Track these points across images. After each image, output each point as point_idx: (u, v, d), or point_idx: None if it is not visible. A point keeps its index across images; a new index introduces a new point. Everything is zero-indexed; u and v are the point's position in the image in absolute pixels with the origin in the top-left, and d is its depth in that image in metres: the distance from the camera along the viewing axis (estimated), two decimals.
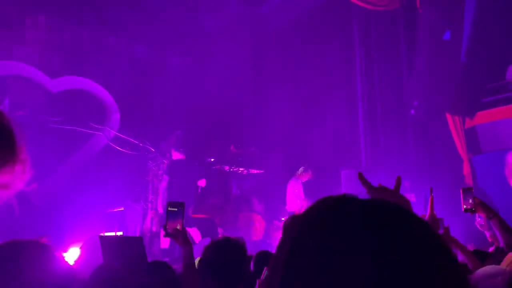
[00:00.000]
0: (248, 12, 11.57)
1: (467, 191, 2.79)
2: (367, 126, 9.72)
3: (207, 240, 6.06)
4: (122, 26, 9.80)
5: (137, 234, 8.24)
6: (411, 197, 8.92)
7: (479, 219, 4.37)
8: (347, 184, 9.40)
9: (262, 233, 9.08)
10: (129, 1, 9.66)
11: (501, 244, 2.55)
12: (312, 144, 9.68)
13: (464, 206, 2.73)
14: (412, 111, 9.04)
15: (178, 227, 2.40)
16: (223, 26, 11.17)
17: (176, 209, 2.45)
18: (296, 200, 8.11)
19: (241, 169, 9.82)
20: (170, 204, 2.47)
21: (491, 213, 2.58)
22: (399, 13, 9.51)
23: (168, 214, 2.42)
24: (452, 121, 9.50)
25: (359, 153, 9.64)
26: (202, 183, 7.79)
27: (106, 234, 7.40)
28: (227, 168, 9.65)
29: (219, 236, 7.86)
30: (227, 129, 10.04)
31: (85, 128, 8.55)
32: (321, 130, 9.65)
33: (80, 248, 6.01)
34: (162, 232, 7.63)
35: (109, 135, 9.11)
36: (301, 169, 8.61)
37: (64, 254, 6.09)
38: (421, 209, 8.13)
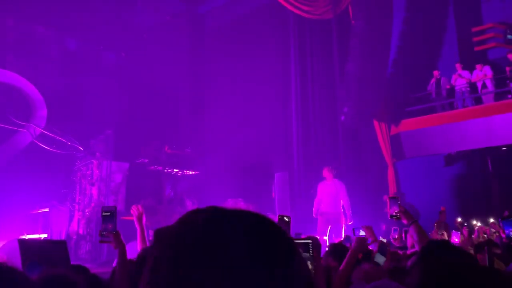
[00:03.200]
0: (187, 10, 11.47)
1: (393, 199, 3.06)
2: (300, 130, 10.01)
3: (135, 244, 5.95)
4: (52, 16, 9.31)
5: (63, 237, 7.87)
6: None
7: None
8: (280, 186, 9.63)
9: None
10: None
11: (417, 248, 2.81)
12: (247, 146, 9.80)
13: (390, 213, 2.99)
14: (343, 117, 9.43)
15: (112, 230, 2.53)
16: (160, 23, 10.99)
17: (109, 213, 2.57)
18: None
19: (175, 170, 9.70)
20: (104, 208, 2.56)
21: (411, 219, 2.87)
22: (333, 22, 9.89)
23: (103, 218, 2.50)
24: (379, 128, 10.05)
25: (292, 157, 9.90)
26: None
27: (29, 236, 7.02)
28: (160, 169, 9.49)
29: (150, 238, 7.72)
30: (162, 129, 9.88)
31: (8, 125, 8.03)
32: (256, 132, 9.80)
33: None
34: (90, 236, 7.33)
35: (34, 132, 8.62)
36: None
37: None
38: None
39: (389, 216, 3.03)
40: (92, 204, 7.86)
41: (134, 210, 3.17)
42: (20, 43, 9.29)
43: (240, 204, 8.80)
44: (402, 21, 10.92)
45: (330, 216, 7.91)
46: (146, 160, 9.38)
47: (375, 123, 10.03)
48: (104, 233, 2.53)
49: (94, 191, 8.00)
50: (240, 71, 10.64)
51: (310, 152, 9.88)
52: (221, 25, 11.60)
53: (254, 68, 10.41)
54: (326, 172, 8.23)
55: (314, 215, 8.09)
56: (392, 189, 10.13)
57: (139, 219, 3.14)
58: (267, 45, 10.50)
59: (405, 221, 2.94)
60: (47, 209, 7.88)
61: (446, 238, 6.07)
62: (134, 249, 5.68)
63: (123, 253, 2.56)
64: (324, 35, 10.16)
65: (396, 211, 2.96)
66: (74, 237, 7.75)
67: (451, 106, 9.99)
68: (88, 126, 8.72)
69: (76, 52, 10.25)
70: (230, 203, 8.95)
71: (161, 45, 10.61)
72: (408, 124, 10.10)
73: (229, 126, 10.39)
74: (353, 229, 4.31)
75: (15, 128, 8.34)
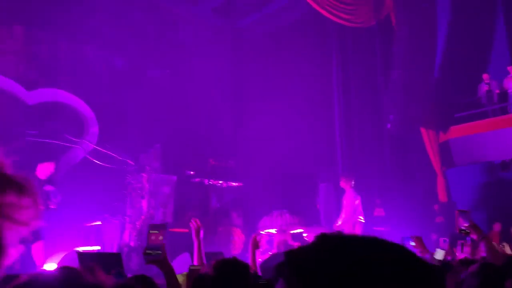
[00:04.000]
0: (227, 25, 11.69)
1: (463, 213, 2.94)
2: (344, 139, 9.90)
3: (186, 256, 6.03)
4: (101, 38, 9.75)
5: (115, 249, 8.13)
6: (380, 211, 9.09)
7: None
8: (325, 197, 9.53)
9: (241, 247, 9.09)
10: (107, 13, 9.63)
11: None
12: (290, 156, 9.79)
13: (459, 227, 2.88)
14: (388, 125, 9.25)
15: (160, 250, 2.41)
16: (202, 39, 11.25)
17: (157, 231, 2.46)
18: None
19: (220, 182, 9.83)
20: (151, 226, 2.47)
21: (481, 235, 2.76)
22: (375, 29, 9.77)
23: (149, 237, 2.41)
24: (426, 135, 9.77)
25: (336, 167, 9.79)
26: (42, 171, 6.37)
27: (83, 248, 7.29)
28: (206, 181, 9.64)
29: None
30: (206, 142, 10.06)
31: (62, 141, 8.43)
32: (299, 143, 9.77)
33: (58, 263, 5.91)
34: (141, 248, 7.51)
35: (87, 148, 8.99)
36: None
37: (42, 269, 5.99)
38: (391, 224, 8.30)
39: (457, 230, 2.92)
40: (143, 217, 8.08)
41: (193, 224, 3.21)
42: (72, 63, 9.78)
43: (285, 216, 8.78)
44: (447, 25, 10.62)
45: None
46: (192, 173, 9.57)
47: (423, 130, 9.76)
48: (149, 252, 2.40)
49: (144, 204, 8.23)
50: (280, 82, 10.69)
51: (355, 161, 9.73)
52: (260, 38, 11.72)
53: (295, 78, 10.43)
54: (342, 183, 8.01)
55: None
56: (442, 198, 9.80)
57: (197, 233, 3.18)
58: (307, 55, 10.51)
59: (474, 236, 2.83)
60: (99, 222, 8.16)
61: (510, 251, 5.79)
62: (184, 262, 5.76)
63: (172, 274, 2.46)
64: (366, 42, 10.05)
65: (466, 225, 2.85)
66: (126, 249, 7.97)
67: (503, 111, 9.57)
68: (137, 141, 9.02)
69: (123, 70, 10.65)
70: (275, 215, 8.95)
71: (202, 60, 10.85)
72: (457, 131, 9.76)
73: (272, 137, 10.42)
74: (402, 239, 4.18)
75: (69, 145, 8.75)
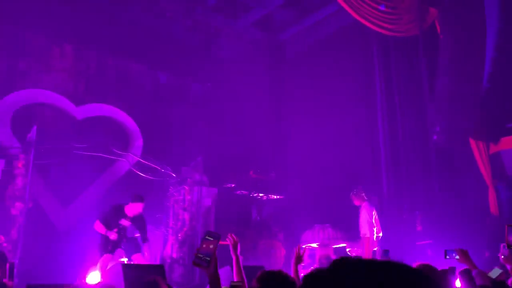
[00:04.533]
0: (267, 39, 11.76)
1: None
2: (388, 151, 9.63)
3: (227, 269, 6.01)
4: (145, 54, 10.08)
5: (158, 260, 8.25)
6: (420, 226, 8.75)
7: (503, 250, 4.28)
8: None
9: (282, 261, 8.98)
10: (150, 30, 9.95)
11: None
12: (332, 169, 9.62)
13: (509, 242, 2.76)
14: (435, 137, 8.92)
15: (211, 256, 2.45)
16: (242, 53, 11.38)
17: (212, 239, 2.49)
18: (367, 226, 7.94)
19: (260, 194, 9.80)
20: (208, 233, 2.49)
21: None
22: (419, 38, 9.52)
23: (203, 242, 2.44)
24: (476, 147, 9.34)
25: (381, 180, 9.52)
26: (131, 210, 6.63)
27: (126, 259, 7.42)
28: (246, 193, 9.65)
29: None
30: (248, 154, 10.09)
31: (109, 154, 8.71)
32: (341, 157, 9.59)
33: (103, 273, 6.05)
34: (183, 259, 7.57)
35: (131, 160, 9.24)
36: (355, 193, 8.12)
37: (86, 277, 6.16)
38: (436, 237, 7.93)
39: (506, 246, 2.76)
40: (185, 229, 8.16)
41: (230, 239, 3.24)
42: (118, 79, 10.16)
43: (328, 230, 8.60)
44: (496, 33, 10.19)
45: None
46: (233, 185, 9.60)
47: (472, 141, 9.34)
48: (200, 255, 2.40)
49: (186, 215, 8.32)
50: (321, 95, 10.60)
51: (401, 174, 9.43)
52: (300, 51, 11.71)
53: (335, 91, 10.31)
54: (355, 201, 7.79)
55: None
56: (494, 212, 9.29)
57: (235, 248, 3.20)
58: (348, 67, 10.38)
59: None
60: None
61: None
62: (226, 276, 5.74)
63: (218, 283, 2.49)
64: (410, 52, 9.80)
65: None
66: (168, 260, 8.07)
67: None
68: (179, 153, 9.18)
69: (167, 84, 10.93)
70: (317, 229, 8.79)
71: (243, 73, 10.95)
72: (509, 142, 9.27)
73: (313, 149, 10.31)
74: (445, 251, 3.93)
75: (115, 158, 9.02)
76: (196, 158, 8.67)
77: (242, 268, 3.23)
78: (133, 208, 6.55)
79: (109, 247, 6.42)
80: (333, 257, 8.64)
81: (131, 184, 8.88)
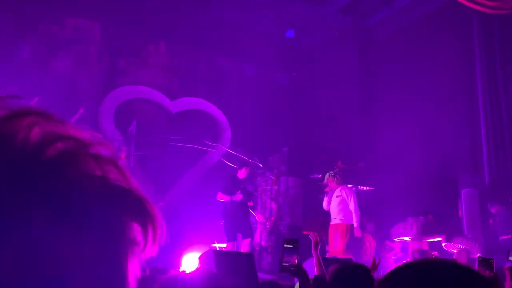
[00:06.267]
0: (354, 25, 11.38)
1: None
2: (491, 141, 8.84)
3: (312, 261, 6.03)
4: (232, 47, 10.34)
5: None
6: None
7: None
8: (468, 205, 8.62)
9: (373, 253, 8.72)
10: (237, 24, 10.16)
11: None
12: (426, 160, 9.08)
13: None
14: None
15: (295, 261, 2.55)
16: (328, 41, 11.15)
17: (291, 246, 2.56)
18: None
19: (349, 185, 9.57)
20: (286, 241, 2.58)
21: None
22: None
23: (284, 250, 2.52)
24: None
25: (482, 169, 8.79)
26: (241, 174, 7.71)
27: (218, 245, 7.75)
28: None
29: (327, 254, 7.74)
30: (335, 144, 9.91)
31: (201, 146, 9.12)
32: (438, 146, 9.01)
33: (198, 259, 6.39)
34: (272, 247, 7.73)
35: (221, 151, 9.59)
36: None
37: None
38: None
39: None
40: (273, 218, 8.29)
41: (312, 237, 3.43)
42: (207, 73, 10.58)
43: (421, 223, 8.18)
44: None
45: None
46: (320, 176, 9.50)
47: None
48: (285, 264, 2.54)
49: (274, 205, 8.44)
50: (415, 81, 10.02)
51: (506, 165, 8.63)
52: (390, 35, 11.15)
53: (430, 77, 9.67)
54: (331, 182, 7.43)
55: None
56: None
57: (316, 246, 3.38)
58: (444, 51, 9.66)
59: None
60: None
61: None
62: (310, 269, 5.75)
63: (305, 283, 2.61)
64: None
65: None
66: (257, 248, 8.27)
67: None
68: (266, 144, 9.32)
69: (252, 77, 11.12)
70: (411, 222, 8.40)
71: (330, 62, 10.74)
72: None
73: (404, 139, 9.80)
74: (508, 251, 3.39)
75: (206, 149, 9.43)
76: (282, 149, 8.73)
77: (321, 263, 3.35)
78: (241, 173, 7.61)
79: (237, 221, 7.16)
80: (428, 251, 8.23)
81: (221, 174, 9.22)
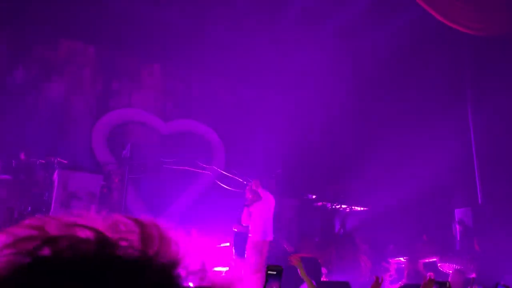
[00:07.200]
0: (347, 46, 11.52)
1: None
2: (484, 161, 8.93)
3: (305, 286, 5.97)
4: (228, 70, 10.42)
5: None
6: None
7: None
8: (462, 223, 8.65)
9: (368, 274, 8.69)
10: (231, 47, 10.26)
11: None
12: (419, 180, 9.13)
13: None
14: None
15: None
16: (322, 62, 11.26)
17: (275, 272, 2.57)
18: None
19: (343, 206, 9.59)
20: (269, 267, 2.58)
21: None
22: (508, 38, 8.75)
23: (268, 276, 2.52)
24: None
25: (475, 190, 8.86)
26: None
27: (215, 269, 7.66)
28: (329, 205, 9.50)
29: (323, 276, 7.69)
30: (328, 165, 9.95)
31: (194, 168, 9.10)
32: (432, 166, 9.07)
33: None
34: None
35: (215, 173, 9.57)
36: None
37: None
38: None
39: None
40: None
41: (293, 261, 3.43)
42: (202, 95, 10.62)
43: (416, 243, 8.18)
44: None
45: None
46: (314, 196, 9.51)
47: None
48: None
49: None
50: (408, 103, 10.15)
51: (497, 186, 8.69)
52: (383, 57, 11.29)
53: (423, 97, 9.81)
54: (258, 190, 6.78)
55: None
56: None
57: (301, 269, 3.40)
58: (437, 74, 9.81)
59: None
60: (228, 244, 8.55)
61: None
62: None
63: None
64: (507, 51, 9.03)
65: None
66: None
67: None
68: (260, 165, 9.32)
69: (247, 98, 11.18)
70: (405, 242, 8.40)
71: (324, 83, 10.84)
72: None
73: (398, 159, 9.87)
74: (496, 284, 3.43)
75: (200, 171, 9.40)
76: (276, 170, 8.74)
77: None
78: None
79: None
80: (423, 272, 8.19)
81: (216, 195, 9.18)
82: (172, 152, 9.18)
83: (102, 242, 0.47)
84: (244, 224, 7.00)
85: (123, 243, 0.48)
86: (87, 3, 8.76)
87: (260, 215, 6.66)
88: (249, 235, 6.75)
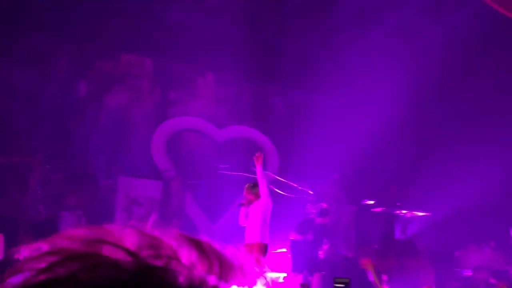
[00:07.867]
0: (405, 47, 11.13)
1: None
2: None
3: None
4: (277, 75, 10.43)
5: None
6: None
7: None
8: None
9: (432, 283, 8.28)
10: (281, 51, 10.26)
11: None
12: (483, 185, 8.58)
13: None
14: None
15: None
16: (377, 64, 10.97)
17: (343, 285, 2.55)
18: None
19: (404, 211, 9.22)
20: (336, 280, 2.57)
21: None
22: None
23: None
24: None
25: None
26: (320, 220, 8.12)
27: (270, 275, 7.65)
28: (388, 210, 9.17)
29: (384, 283, 7.41)
30: (387, 169, 9.63)
31: (249, 173, 9.14)
32: (500, 169, 8.53)
33: None
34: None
35: (269, 178, 9.55)
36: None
37: None
38: None
39: None
40: (325, 246, 8.10)
41: (364, 263, 3.28)
42: (254, 102, 10.71)
43: (485, 250, 7.71)
44: None
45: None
46: (373, 202, 9.24)
47: None
48: None
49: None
50: (468, 99, 9.64)
51: None
52: (443, 56, 10.80)
53: (489, 100, 9.26)
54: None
55: None
56: None
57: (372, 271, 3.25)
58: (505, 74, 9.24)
59: None
60: (284, 249, 8.49)
61: None
62: None
63: None
64: None
65: None
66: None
67: None
68: (316, 170, 9.20)
69: (299, 102, 11.12)
70: (472, 249, 7.94)
71: (378, 86, 10.55)
72: None
73: (459, 163, 9.37)
74: None
75: (254, 176, 9.42)
76: (333, 175, 8.58)
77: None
78: (320, 220, 8.10)
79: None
80: (492, 281, 7.71)
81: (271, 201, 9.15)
82: (226, 158, 9.30)
83: (132, 264, 0.41)
84: (241, 225, 6.48)
85: (169, 267, 0.43)
86: (144, 17, 9.13)
87: (257, 216, 6.22)
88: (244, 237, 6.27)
